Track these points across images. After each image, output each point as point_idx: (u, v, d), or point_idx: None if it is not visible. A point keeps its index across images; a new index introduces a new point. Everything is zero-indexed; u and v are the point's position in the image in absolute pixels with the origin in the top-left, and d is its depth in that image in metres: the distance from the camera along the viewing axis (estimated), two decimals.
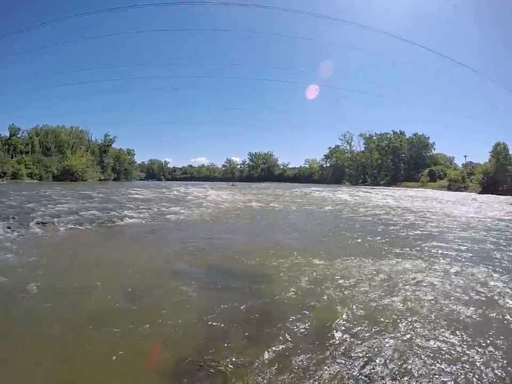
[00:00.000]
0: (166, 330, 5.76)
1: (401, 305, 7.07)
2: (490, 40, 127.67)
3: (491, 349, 5.25)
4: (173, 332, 5.71)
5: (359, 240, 13.94)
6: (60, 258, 10.09)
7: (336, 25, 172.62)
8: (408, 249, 12.12)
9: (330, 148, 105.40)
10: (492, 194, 49.84)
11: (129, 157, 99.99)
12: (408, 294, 7.73)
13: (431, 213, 24.99)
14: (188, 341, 5.47)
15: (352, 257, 10.63)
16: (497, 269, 9.52)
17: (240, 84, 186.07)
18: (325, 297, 7.43)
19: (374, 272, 9.18)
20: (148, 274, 8.71)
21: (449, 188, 64.27)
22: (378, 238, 14.49)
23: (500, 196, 46.27)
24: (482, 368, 4.72)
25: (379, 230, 17.08)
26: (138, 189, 38.69)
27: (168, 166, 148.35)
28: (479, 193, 54.38)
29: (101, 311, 6.41)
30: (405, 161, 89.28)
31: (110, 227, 15.54)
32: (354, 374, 4.65)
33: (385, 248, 12.31)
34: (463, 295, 7.51)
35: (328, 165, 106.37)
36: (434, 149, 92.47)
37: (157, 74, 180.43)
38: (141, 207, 22.32)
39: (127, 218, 17.38)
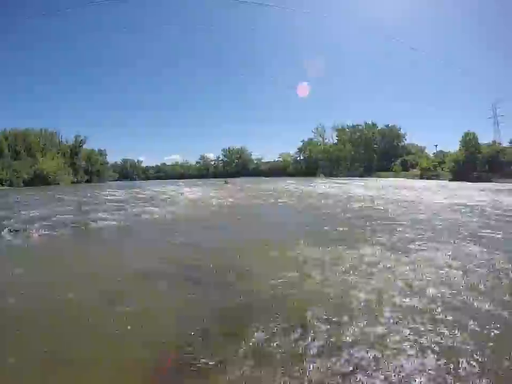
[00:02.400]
0: (145, 331, 5.78)
1: (378, 291, 7.22)
2: (460, 32, 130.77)
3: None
4: (152, 333, 5.74)
5: (334, 231, 14.08)
6: (35, 266, 9.84)
7: (301, 15, 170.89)
8: (385, 237, 12.30)
9: (303, 140, 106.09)
10: (462, 181, 50.96)
11: (101, 157, 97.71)
12: (385, 280, 7.94)
13: (406, 202, 25.34)
14: (167, 341, 5.49)
15: (328, 247, 10.82)
16: (461, 249, 10.06)
17: (214, 79, 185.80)
18: (301, 288, 7.57)
19: (350, 261, 9.35)
20: (124, 276, 8.67)
21: (421, 177, 65.41)
22: (354, 228, 14.78)
23: (470, 183, 47.33)
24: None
25: (353, 220, 17.19)
26: (112, 190, 38.80)
27: (142, 165, 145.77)
28: (450, 180, 55.71)
29: (78, 316, 6.39)
30: (377, 152, 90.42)
31: (84, 230, 15.35)
32: (335, 364, 4.73)
33: (362, 237, 12.53)
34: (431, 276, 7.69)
35: (301, 158, 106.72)
36: (406, 140, 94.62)
37: (126, 72, 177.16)
38: (114, 208, 22.17)
39: (101, 221, 17.15)
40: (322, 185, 46.39)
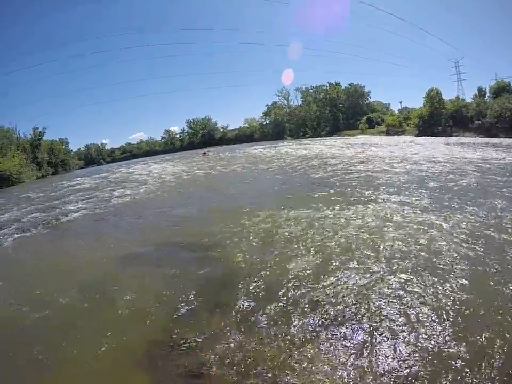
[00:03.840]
0: (131, 318, 5.88)
1: (347, 249, 7.64)
2: None
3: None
4: (138, 318, 5.83)
5: (307, 192, 14.33)
6: (11, 271, 9.75)
7: None
8: (352, 196, 12.66)
9: (267, 105, 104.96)
10: (427, 136, 51.86)
11: (63, 146, 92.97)
12: (354, 237, 8.35)
13: (376, 159, 25.20)
14: (155, 323, 5.60)
15: (299, 209, 11.13)
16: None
17: (169, 48, 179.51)
18: (276, 253, 7.84)
19: (321, 221, 9.74)
20: (102, 267, 8.59)
21: (387, 133, 65.31)
22: (326, 187, 14.93)
23: (436, 137, 48.55)
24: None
25: (325, 180, 17.34)
26: (79, 179, 37.12)
27: (106, 148, 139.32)
28: (416, 136, 56.08)
29: (64, 313, 6.43)
30: (343, 111, 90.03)
31: (57, 226, 14.57)
32: (316, 328, 4.99)
33: (333, 197, 12.72)
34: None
35: (267, 122, 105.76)
36: (370, 97, 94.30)
37: (75, 51, 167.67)
38: (84, 197, 21.26)
39: (72, 213, 16.49)
40: (288, 148, 45.70)
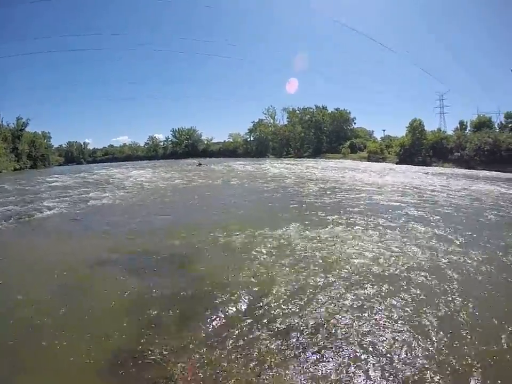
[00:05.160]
0: (97, 325, 5.69)
1: (323, 268, 7.69)
2: (408, 21, 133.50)
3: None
4: (104, 326, 5.64)
5: (285, 211, 14.41)
6: None
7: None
8: (328, 215, 12.64)
9: (254, 121, 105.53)
10: (407, 164, 53.33)
11: (45, 140, 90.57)
12: (335, 257, 8.45)
13: (356, 183, 25.57)
14: (121, 333, 5.40)
15: (277, 227, 11.13)
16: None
17: (162, 57, 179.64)
18: (251, 270, 7.74)
19: (299, 240, 9.75)
20: (72, 269, 8.28)
21: (369, 159, 66.59)
22: (304, 206, 15.38)
23: (415, 166, 50.05)
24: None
25: (304, 199, 17.54)
26: (57, 176, 36.50)
27: (88, 147, 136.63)
28: (396, 163, 57.61)
29: (29, 314, 6.15)
30: (327, 134, 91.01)
31: (29, 222, 14.16)
32: (289, 344, 4.95)
33: (313, 217, 12.86)
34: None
35: (252, 138, 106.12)
36: (355, 123, 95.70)
37: (68, 47, 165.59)
38: (60, 195, 20.86)
39: (46, 210, 16.01)
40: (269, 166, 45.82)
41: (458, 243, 9.59)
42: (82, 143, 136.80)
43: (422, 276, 7.28)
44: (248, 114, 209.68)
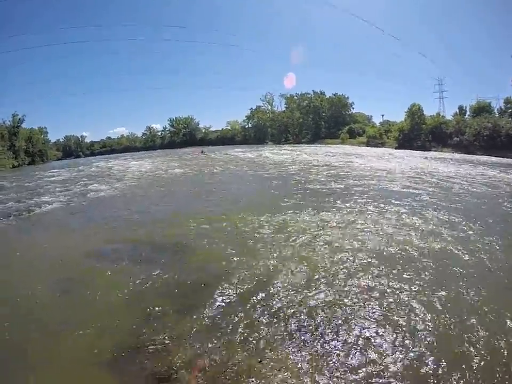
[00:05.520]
0: (99, 317, 5.70)
1: (322, 256, 7.61)
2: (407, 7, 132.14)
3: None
4: (106, 317, 5.68)
5: (290, 196, 14.22)
6: None
7: None
8: (327, 202, 12.72)
9: (251, 108, 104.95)
10: (406, 149, 52.70)
11: (42, 136, 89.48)
12: (328, 243, 8.43)
13: (356, 168, 25.60)
14: (123, 324, 5.44)
15: (274, 214, 11.17)
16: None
17: (158, 46, 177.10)
18: (250, 258, 7.73)
19: (302, 225, 9.86)
20: (72, 262, 8.37)
21: (367, 144, 66.04)
22: (308, 192, 15.31)
23: (414, 151, 49.48)
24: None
25: (311, 186, 17.34)
26: (55, 170, 36.48)
27: (86, 140, 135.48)
28: (395, 148, 57.05)
29: (32, 308, 6.22)
30: (325, 120, 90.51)
31: (29, 217, 14.22)
32: (287, 333, 4.96)
33: (314, 203, 12.75)
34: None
35: (250, 125, 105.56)
36: (353, 108, 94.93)
37: (60, 40, 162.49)
38: (59, 189, 20.93)
39: (46, 205, 16.17)
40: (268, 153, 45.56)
41: (475, 230, 9.46)
42: (79, 137, 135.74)
43: (441, 263, 7.24)
44: (247, 103, 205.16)
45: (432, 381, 4.03)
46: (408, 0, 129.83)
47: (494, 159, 35.46)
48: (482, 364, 4.25)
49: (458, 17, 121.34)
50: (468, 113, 61.23)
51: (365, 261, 7.34)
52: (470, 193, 15.22)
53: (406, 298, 5.78)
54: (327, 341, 4.74)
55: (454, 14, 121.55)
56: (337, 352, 4.52)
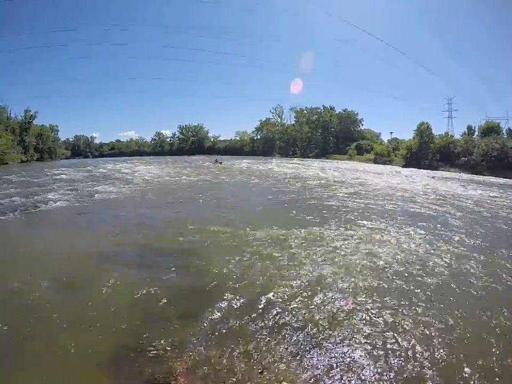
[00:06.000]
0: (100, 318, 5.69)
1: (329, 267, 7.74)
2: (416, 25, 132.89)
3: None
4: (108, 319, 5.67)
5: (299, 211, 14.10)
6: None
7: None
8: (334, 217, 12.51)
9: (261, 120, 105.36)
10: (414, 168, 52.70)
11: (52, 133, 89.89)
12: (341, 258, 8.41)
13: (364, 185, 25.48)
14: (124, 327, 5.42)
15: (280, 227, 11.04)
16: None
17: (171, 53, 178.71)
18: (254, 268, 7.77)
19: (304, 241, 9.72)
20: (78, 261, 8.38)
21: (375, 161, 66.02)
22: (311, 209, 14.97)
23: (422, 170, 49.35)
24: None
25: (313, 202, 17.39)
26: (63, 169, 36.72)
27: (95, 141, 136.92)
28: (402, 166, 57.04)
29: (34, 305, 6.22)
30: (334, 135, 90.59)
31: (35, 213, 14.28)
32: (291, 341, 4.98)
33: (318, 218, 12.76)
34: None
35: (258, 137, 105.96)
36: (362, 125, 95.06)
37: (78, 41, 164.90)
38: (66, 188, 20.99)
39: (52, 202, 16.25)
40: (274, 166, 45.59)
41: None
42: (89, 137, 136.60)
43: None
44: (256, 113, 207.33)
45: None
46: (418, 16, 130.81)
47: (501, 180, 35.28)
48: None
49: (470, 34, 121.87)
50: (476, 133, 61.18)
51: (370, 275, 7.35)
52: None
53: (419, 319, 5.74)
54: (330, 354, 4.72)
55: (465, 30, 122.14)
56: (340, 365, 4.49)
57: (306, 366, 4.50)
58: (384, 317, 5.73)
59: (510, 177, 37.19)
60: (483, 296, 6.70)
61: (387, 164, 61.80)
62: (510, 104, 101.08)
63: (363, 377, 4.28)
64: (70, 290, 6.87)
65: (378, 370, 4.41)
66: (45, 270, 7.93)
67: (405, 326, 5.47)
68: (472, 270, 7.98)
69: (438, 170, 50.20)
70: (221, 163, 48.87)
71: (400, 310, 6.01)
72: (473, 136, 59.98)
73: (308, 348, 4.85)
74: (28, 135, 72.46)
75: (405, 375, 4.35)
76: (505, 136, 54.82)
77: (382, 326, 5.43)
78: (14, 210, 14.08)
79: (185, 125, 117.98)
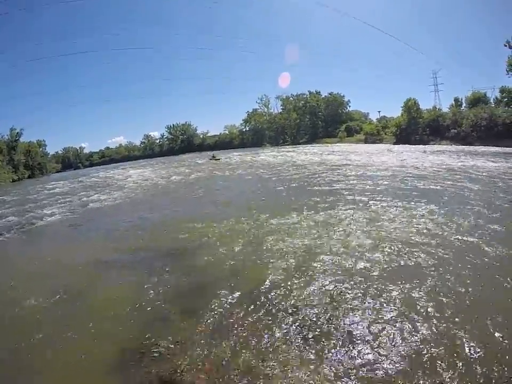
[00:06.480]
0: (103, 323, 5.74)
1: (323, 257, 7.57)
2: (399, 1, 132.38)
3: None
4: (110, 324, 5.71)
5: (292, 198, 14.45)
6: None
7: None
8: (329, 200, 12.36)
9: (248, 112, 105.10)
10: (405, 144, 52.83)
11: (40, 149, 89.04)
12: (335, 244, 8.29)
13: (358, 166, 25.28)
14: (127, 329, 5.49)
15: (275, 217, 11.13)
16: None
17: (151, 53, 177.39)
18: (250, 261, 7.79)
19: (302, 228, 9.83)
20: (76, 272, 8.44)
21: (365, 141, 66.04)
22: (307, 194, 15.07)
23: (413, 146, 49.43)
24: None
25: (307, 187, 17.37)
26: (55, 183, 36.81)
27: (85, 151, 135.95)
28: (393, 144, 56.91)
29: (39, 316, 6.31)
30: (322, 119, 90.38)
31: (30, 230, 14.34)
32: (290, 332, 5.00)
33: (316, 203, 12.74)
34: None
35: (247, 129, 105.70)
36: (349, 106, 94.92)
37: (56, 50, 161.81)
38: (59, 201, 21.13)
39: (47, 217, 16.33)
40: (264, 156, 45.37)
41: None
42: (78, 148, 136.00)
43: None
44: (244, 106, 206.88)
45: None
46: None
47: (492, 149, 35.34)
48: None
49: (452, 10, 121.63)
50: (464, 104, 61.29)
51: (369, 263, 7.26)
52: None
53: (416, 299, 5.73)
54: (330, 342, 4.75)
55: (448, 6, 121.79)
56: (340, 352, 4.53)
57: (306, 354, 4.56)
58: (385, 300, 5.83)
59: (501, 146, 37.23)
60: None
61: (378, 143, 61.90)
62: (496, 74, 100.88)
63: (362, 365, 4.31)
64: (69, 300, 6.90)
65: (379, 357, 4.42)
66: (43, 283, 7.98)
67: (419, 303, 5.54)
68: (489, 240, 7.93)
69: (428, 144, 50.31)
70: (218, 159, 46.39)
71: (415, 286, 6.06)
72: (461, 108, 60.05)
73: (308, 336, 4.91)
74: (16, 153, 71.47)
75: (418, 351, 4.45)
76: (493, 105, 54.86)
77: (382, 311, 5.50)
78: (10, 230, 14.12)
79: (173, 125, 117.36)
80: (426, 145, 48.21)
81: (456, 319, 4.96)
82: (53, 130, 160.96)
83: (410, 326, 4.87)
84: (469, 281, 6.02)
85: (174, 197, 19.40)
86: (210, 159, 46.80)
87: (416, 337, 4.64)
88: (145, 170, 41.90)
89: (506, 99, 53.67)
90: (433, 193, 13.35)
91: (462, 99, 61.93)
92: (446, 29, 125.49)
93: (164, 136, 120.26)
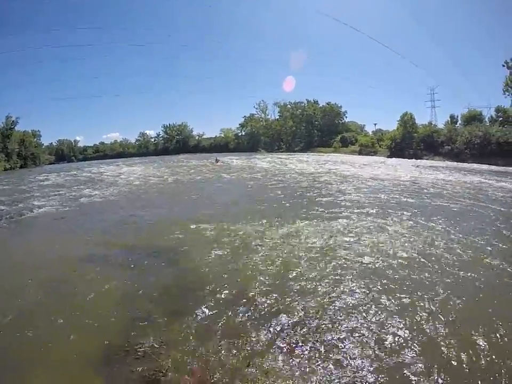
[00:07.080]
0: (88, 319, 5.70)
1: (314, 255, 7.92)
2: (399, 16, 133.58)
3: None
4: (95, 320, 5.68)
5: (287, 204, 14.60)
6: None
7: None
8: (314, 210, 12.74)
9: (245, 116, 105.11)
10: (398, 158, 53.08)
11: (35, 139, 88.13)
12: (313, 248, 8.61)
13: (349, 177, 25.48)
14: (112, 327, 5.46)
15: (263, 222, 11.27)
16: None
17: (152, 52, 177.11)
18: (238, 263, 7.82)
19: (287, 234, 9.84)
20: (63, 265, 8.40)
21: (360, 153, 66.22)
22: (299, 201, 15.39)
23: (406, 160, 49.72)
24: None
25: (299, 194, 17.52)
26: (48, 175, 36.54)
27: (79, 145, 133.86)
28: (387, 157, 57.11)
29: (23, 310, 6.26)
30: (318, 129, 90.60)
31: (20, 221, 14.28)
32: (276, 335, 5.00)
33: (305, 210, 12.80)
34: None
35: (243, 133, 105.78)
36: (346, 117, 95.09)
37: (57, 42, 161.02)
38: (51, 193, 20.99)
39: (37, 209, 16.27)
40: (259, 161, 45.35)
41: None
42: (72, 141, 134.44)
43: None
44: (241, 110, 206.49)
45: None
46: (401, 7, 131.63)
47: (484, 166, 35.67)
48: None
49: (453, 26, 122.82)
50: (459, 121, 61.86)
51: (361, 268, 7.35)
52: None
53: (402, 306, 5.80)
54: (316, 346, 4.76)
55: (448, 22, 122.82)
56: (325, 356, 4.54)
57: (292, 357, 4.56)
58: (372, 306, 5.85)
59: (493, 164, 37.56)
60: None
61: (372, 155, 62.17)
62: (492, 93, 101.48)
63: (348, 368, 4.35)
64: (54, 293, 6.88)
65: (367, 360, 4.49)
66: (29, 275, 7.86)
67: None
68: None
69: (422, 159, 50.70)
70: (221, 162, 45.31)
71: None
72: (456, 125, 60.66)
73: (293, 340, 4.92)
74: (10, 141, 70.53)
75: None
76: (487, 124, 55.42)
77: (369, 315, 5.55)
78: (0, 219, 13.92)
79: (169, 124, 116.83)
80: (420, 160, 48.50)
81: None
82: (48, 121, 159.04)
83: (396, 333, 4.90)
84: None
85: (165, 197, 19.42)
86: (215, 162, 45.38)
87: (401, 349, 4.64)
88: (138, 168, 41.68)
89: (501, 118, 54.31)
90: (420, 207, 13.49)
91: (457, 116, 62.58)
92: (448, 46, 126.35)
93: (160, 135, 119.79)
